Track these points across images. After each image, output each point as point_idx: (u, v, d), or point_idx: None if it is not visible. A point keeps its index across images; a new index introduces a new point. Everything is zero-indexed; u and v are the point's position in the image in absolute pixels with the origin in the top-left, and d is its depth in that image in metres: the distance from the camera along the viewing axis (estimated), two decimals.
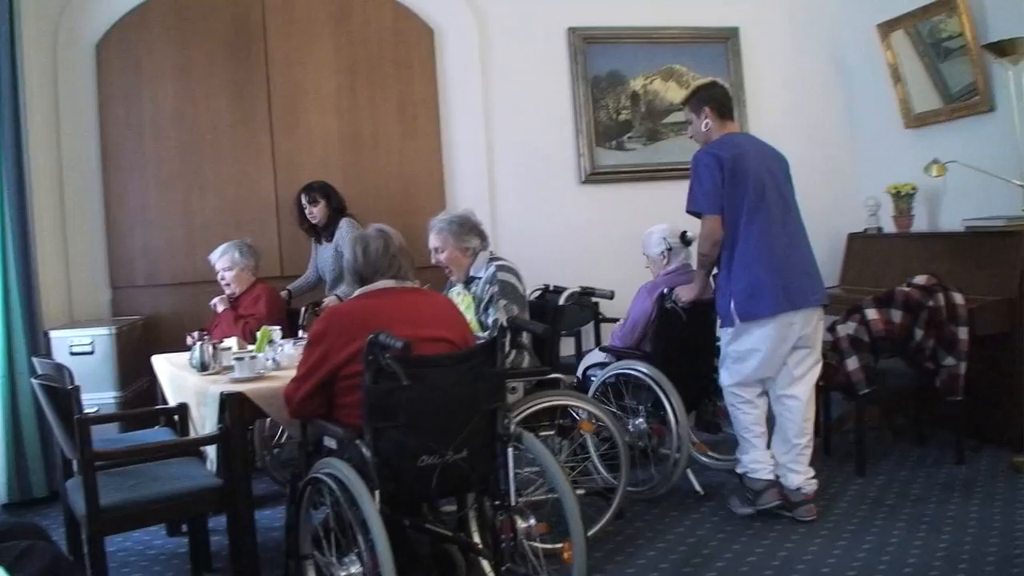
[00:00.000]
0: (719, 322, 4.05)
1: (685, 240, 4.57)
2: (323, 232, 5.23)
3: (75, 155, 5.41)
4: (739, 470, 4.11)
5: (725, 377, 4.07)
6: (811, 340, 3.95)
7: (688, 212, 4.00)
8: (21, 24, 4.80)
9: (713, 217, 3.89)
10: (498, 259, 3.99)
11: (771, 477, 3.99)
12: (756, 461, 4.02)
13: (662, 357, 4.31)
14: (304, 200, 5.18)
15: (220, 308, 4.85)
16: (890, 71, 6.00)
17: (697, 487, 4.35)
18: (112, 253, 5.46)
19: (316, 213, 5.17)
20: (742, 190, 3.85)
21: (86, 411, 3.15)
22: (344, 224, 5.18)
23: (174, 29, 5.49)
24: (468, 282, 3.97)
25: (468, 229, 3.92)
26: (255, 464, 4.52)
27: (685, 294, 4.19)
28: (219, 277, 4.86)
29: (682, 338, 4.32)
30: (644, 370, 4.20)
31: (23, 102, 4.79)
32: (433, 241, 3.97)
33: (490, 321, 3.78)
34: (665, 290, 4.30)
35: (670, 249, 4.56)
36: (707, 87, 4.15)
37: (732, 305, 3.90)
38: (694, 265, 4.31)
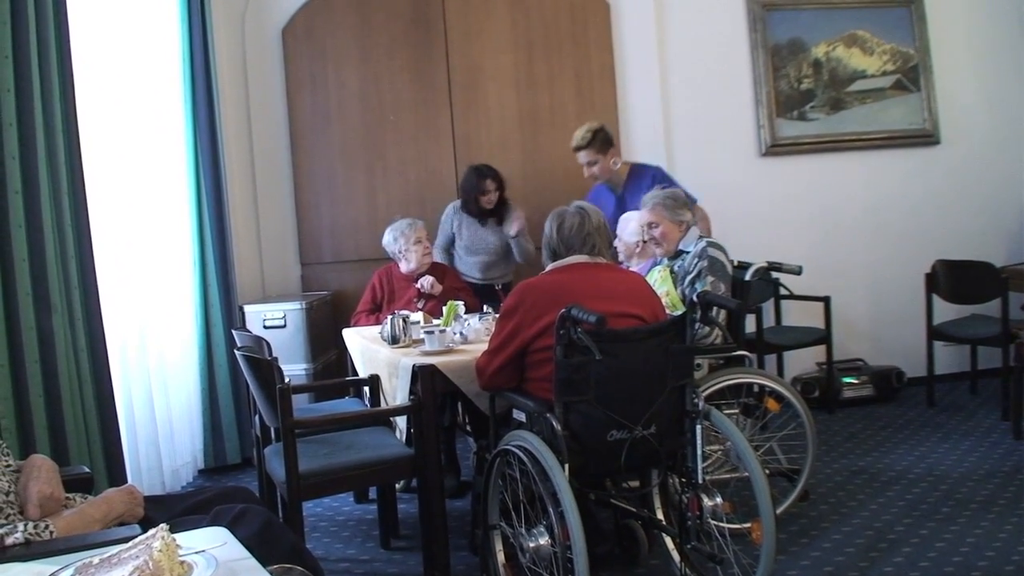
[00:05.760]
0: None
1: None
2: (490, 217, 5.16)
3: (265, 139, 5.68)
4: None
5: None
6: None
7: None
8: (212, 15, 5.06)
9: None
10: (706, 236, 3.94)
11: None
12: None
13: None
14: (491, 185, 5.03)
15: (438, 289, 4.67)
16: None
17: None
18: (301, 231, 5.71)
19: (494, 199, 5.09)
20: None
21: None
22: (516, 208, 5.23)
23: (355, 11, 5.64)
24: (675, 256, 3.91)
25: (681, 203, 3.87)
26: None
27: None
28: (417, 250, 4.70)
29: None
30: None
31: (216, 89, 5.05)
32: (647, 216, 3.90)
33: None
34: None
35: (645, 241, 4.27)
36: (603, 129, 4.70)
37: None
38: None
